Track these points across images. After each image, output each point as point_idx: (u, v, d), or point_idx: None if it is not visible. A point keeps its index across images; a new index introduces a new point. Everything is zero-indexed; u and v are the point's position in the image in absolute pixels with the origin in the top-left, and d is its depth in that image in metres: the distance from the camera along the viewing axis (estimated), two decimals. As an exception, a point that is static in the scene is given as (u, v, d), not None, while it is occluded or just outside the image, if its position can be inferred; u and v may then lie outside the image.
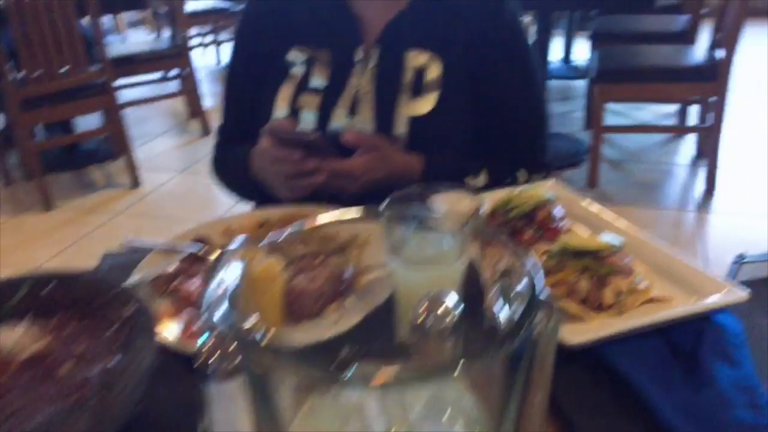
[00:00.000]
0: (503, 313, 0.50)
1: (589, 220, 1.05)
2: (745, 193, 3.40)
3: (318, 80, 1.33)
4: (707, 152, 3.39)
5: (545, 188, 1.05)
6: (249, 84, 1.42)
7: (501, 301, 0.51)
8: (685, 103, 3.97)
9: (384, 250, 0.84)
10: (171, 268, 0.99)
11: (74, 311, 0.73)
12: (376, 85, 1.31)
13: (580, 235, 0.83)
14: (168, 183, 4.06)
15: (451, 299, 0.66)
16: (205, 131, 4.66)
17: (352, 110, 1.31)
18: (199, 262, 1.02)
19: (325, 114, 1.31)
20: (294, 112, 1.32)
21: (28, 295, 0.74)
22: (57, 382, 0.63)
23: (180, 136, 4.84)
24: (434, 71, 1.29)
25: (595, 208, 1.08)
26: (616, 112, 4.42)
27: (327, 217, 1.12)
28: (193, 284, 0.93)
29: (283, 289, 0.84)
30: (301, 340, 0.75)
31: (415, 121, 1.28)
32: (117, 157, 4.29)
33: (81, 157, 4.34)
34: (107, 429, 0.58)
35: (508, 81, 1.34)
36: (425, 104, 1.29)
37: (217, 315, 0.42)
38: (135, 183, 3.94)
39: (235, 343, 0.42)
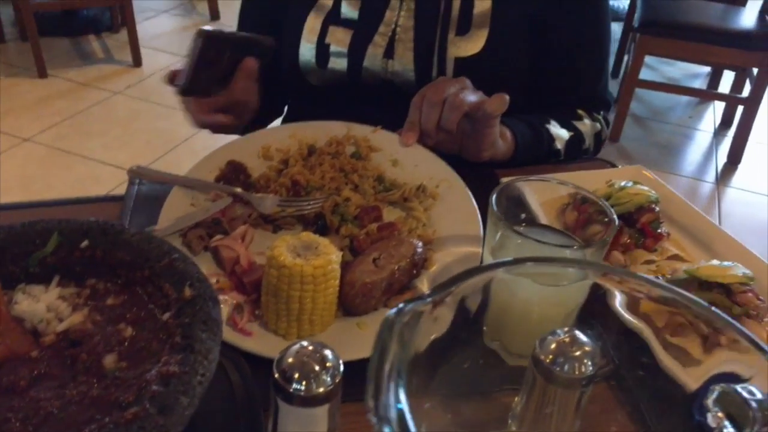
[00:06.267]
0: (722, 428, 0.38)
1: (685, 223, 0.94)
2: (769, 171, 3.29)
3: (349, 10, 1.14)
4: (742, 124, 3.23)
5: (647, 183, 0.92)
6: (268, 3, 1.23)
7: (717, 411, 0.39)
8: (722, 67, 3.78)
9: (486, 248, 0.71)
10: (206, 216, 0.82)
11: (114, 278, 0.60)
12: (417, 21, 1.12)
13: (712, 265, 0.71)
14: (171, 67, 3.80)
15: (587, 343, 0.55)
16: (214, 14, 4.36)
17: (389, 51, 1.13)
18: (239, 203, 0.88)
19: (356, 52, 1.13)
20: (323, 48, 1.14)
21: (58, 250, 0.60)
22: (100, 379, 0.51)
23: (186, 16, 4.53)
24: (484, 3, 1.10)
25: (690, 209, 0.95)
26: (646, 65, 4.21)
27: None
28: (237, 243, 0.79)
29: (339, 285, 0.71)
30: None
31: (462, 64, 1.10)
32: (118, 29, 4.02)
33: (79, 24, 4.04)
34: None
35: (579, 16, 1.15)
36: (474, 44, 1.10)
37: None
38: (137, 61, 3.70)
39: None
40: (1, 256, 0.58)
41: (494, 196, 0.67)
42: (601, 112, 1.25)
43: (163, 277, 0.58)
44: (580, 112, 1.20)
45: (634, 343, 0.50)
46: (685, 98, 3.93)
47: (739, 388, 0.38)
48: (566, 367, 0.54)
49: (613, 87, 3.84)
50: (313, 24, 1.15)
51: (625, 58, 3.92)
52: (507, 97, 0.93)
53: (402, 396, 0.30)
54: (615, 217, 0.65)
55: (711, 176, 3.25)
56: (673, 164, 3.33)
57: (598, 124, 1.22)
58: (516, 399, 0.62)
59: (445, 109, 0.92)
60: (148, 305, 0.57)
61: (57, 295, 0.57)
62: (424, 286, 0.77)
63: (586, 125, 1.19)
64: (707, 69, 4.04)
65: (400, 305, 0.35)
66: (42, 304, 0.56)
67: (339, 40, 1.14)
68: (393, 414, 0.29)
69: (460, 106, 0.91)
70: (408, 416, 0.29)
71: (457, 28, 1.11)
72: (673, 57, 3.67)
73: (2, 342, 0.53)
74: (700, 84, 4.06)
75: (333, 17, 1.14)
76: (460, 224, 0.85)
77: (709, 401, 0.39)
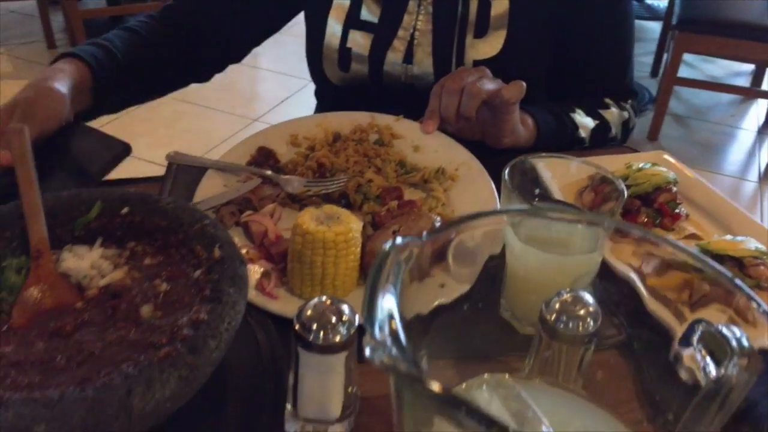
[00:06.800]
0: (704, 366, 0.41)
1: (705, 204, 0.95)
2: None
3: (369, 13, 1.17)
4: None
5: (666, 166, 0.94)
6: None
7: (699, 350, 0.42)
8: (766, 65, 3.71)
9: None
10: (238, 195, 0.88)
11: (152, 242, 0.65)
12: (435, 25, 1.14)
13: (725, 239, 0.73)
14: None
15: (591, 304, 0.57)
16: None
17: (408, 56, 1.15)
18: (268, 185, 0.93)
19: (377, 57, 1.16)
20: (344, 52, 1.17)
21: (101, 216, 0.66)
22: (137, 325, 0.56)
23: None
24: (501, 5, 1.12)
25: (710, 191, 0.97)
26: (686, 63, 4.17)
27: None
28: (266, 218, 0.83)
29: (361, 252, 0.75)
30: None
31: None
32: (164, 35, 4.16)
33: (127, 30, 4.19)
34: (188, 394, 0.51)
35: (598, 11, 1.17)
36: (492, 46, 1.12)
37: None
38: (180, 65, 3.81)
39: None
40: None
41: (507, 170, 0.71)
42: (629, 101, 1.26)
43: (196, 240, 0.63)
44: (607, 100, 1.22)
45: (625, 292, 0.52)
46: (727, 96, 3.87)
47: (720, 326, 0.41)
48: (570, 325, 0.57)
49: (652, 86, 3.81)
50: (334, 28, 1.18)
51: (665, 56, 3.88)
52: (524, 84, 0.96)
53: (394, 306, 0.33)
54: (623, 187, 0.68)
55: (754, 175, 3.20)
56: (715, 163, 3.28)
57: (625, 113, 1.23)
58: (525, 361, 0.64)
59: (464, 97, 0.96)
60: (181, 265, 0.62)
61: (100, 255, 0.63)
62: (442, 259, 0.81)
63: (612, 114, 1.21)
64: (751, 66, 3.97)
65: (398, 239, 0.38)
66: (86, 261, 0.61)
67: (360, 44, 1.17)
68: (384, 319, 0.32)
69: (478, 94, 0.94)
70: (397, 317, 0.32)
71: (475, 31, 1.13)
72: (713, 54, 3.63)
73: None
74: (744, 82, 3.99)
75: (353, 21, 1.17)
76: (478, 204, 0.88)
77: (693, 339, 0.42)
